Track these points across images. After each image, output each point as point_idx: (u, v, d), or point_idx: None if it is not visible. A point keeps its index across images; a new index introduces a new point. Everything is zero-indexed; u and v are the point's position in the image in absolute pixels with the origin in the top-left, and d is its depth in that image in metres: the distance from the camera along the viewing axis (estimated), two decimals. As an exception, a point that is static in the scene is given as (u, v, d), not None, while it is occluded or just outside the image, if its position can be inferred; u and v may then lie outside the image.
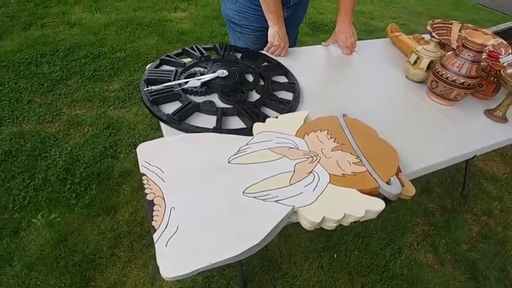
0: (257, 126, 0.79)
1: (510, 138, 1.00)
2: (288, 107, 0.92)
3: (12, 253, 1.23)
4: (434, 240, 1.47)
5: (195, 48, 1.11)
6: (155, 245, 0.54)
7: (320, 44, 1.35)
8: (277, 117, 0.83)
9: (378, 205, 0.65)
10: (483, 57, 1.10)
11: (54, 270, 1.19)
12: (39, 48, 2.33)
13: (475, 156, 0.96)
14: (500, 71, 1.02)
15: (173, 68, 1.01)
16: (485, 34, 1.21)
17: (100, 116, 1.87)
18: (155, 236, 0.55)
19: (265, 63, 1.13)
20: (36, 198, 1.41)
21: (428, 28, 1.29)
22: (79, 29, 2.65)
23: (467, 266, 1.39)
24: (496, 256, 1.45)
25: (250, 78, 1.04)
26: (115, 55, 2.40)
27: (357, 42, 1.30)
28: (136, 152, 0.70)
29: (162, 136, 0.81)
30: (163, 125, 0.83)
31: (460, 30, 1.36)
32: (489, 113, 1.06)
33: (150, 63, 1.03)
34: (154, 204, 0.59)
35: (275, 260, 1.31)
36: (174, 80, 0.94)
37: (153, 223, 0.57)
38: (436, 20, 1.36)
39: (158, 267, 0.51)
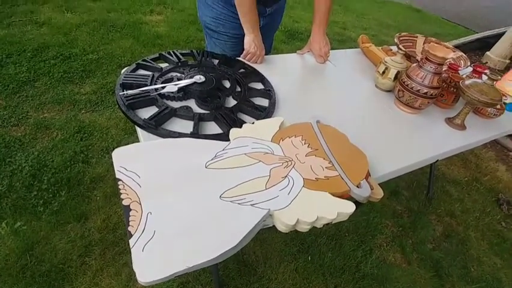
0: (234, 132, 0.81)
1: (468, 145, 1.09)
2: (264, 113, 0.94)
3: (-27, 264, 1.16)
4: (401, 240, 1.55)
5: (171, 53, 1.11)
6: (132, 250, 0.53)
7: (295, 52, 1.40)
8: (253, 123, 0.85)
9: (349, 207, 0.68)
10: (444, 69, 1.19)
11: (20, 281, 1.13)
12: (4, 48, 2.22)
13: (437, 160, 1.03)
14: (459, 82, 1.11)
15: (150, 73, 1.00)
16: (446, 48, 1.31)
17: (70, 120, 1.80)
18: (131, 241, 0.55)
19: (242, 70, 1.15)
20: (0, 205, 1.34)
21: (396, 40, 1.38)
22: (48, 29, 2.55)
23: (431, 264, 1.48)
24: (458, 254, 1.55)
25: (227, 84, 1.05)
26: (87, 57, 2.33)
27: (330, 51, 1.36)
28: (109, 157, 0.70)
29: (137, 141, 0.80)
30: (139, 130, 0.82)
31: (424, 43, 1.46)
32: (449, 120, 1.15)
33: (125, 66, 1.03)
34: (131, 210, 0.59)
35: (251, 263, 1.32)
36: (151, 84, 0.94)
37: (129, 228, 0.56)
38: (403, 33, 1.45)
39: (132, 274, 0.51)
